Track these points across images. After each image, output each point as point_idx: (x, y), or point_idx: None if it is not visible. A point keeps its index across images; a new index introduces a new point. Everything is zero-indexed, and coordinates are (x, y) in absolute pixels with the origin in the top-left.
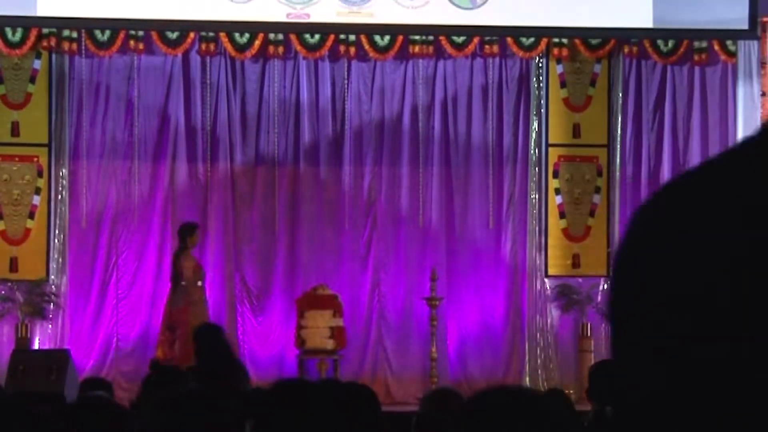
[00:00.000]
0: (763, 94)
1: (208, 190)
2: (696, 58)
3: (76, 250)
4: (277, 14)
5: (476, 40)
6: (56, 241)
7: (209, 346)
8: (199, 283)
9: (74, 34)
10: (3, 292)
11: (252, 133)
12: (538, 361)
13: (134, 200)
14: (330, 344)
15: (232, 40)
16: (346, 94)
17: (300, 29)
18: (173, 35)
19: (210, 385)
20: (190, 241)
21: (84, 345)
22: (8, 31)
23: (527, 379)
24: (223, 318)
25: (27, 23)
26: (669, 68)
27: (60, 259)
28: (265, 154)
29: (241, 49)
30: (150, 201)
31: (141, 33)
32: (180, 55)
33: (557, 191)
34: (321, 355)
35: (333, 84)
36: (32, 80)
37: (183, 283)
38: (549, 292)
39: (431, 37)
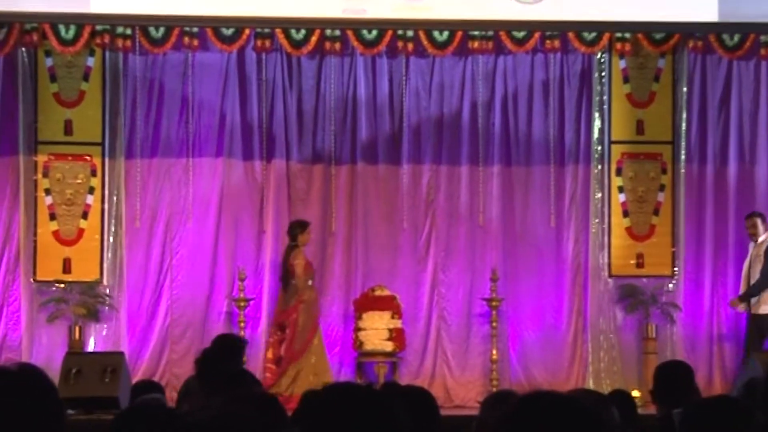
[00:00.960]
0: None
1: (264, 189)
2: (762, 52)
3: (131, 250)
4: (334, 9)
5: (537, 35)
6: (110, 241)
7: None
8: (310, 282)
9: (128, 31)
10: (56, 294)
11: (308, 131)
12: (602, 363)
13: (189, 199)
14: (388, 346)
15: (288, 36)
16: (404, 90)
17: (357, 25)
18: (228, 31)
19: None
20: (301, 239)
21: (137, 347)
22: (62, 28)
23: (590, 381)
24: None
25: (80, 20)
26: (735, 63)
27: (114, 260)
28: (322, 151)
29: (297, 45)
30: (205, 200)
31: (195, 29)
32: (235, 51)
33: (620, 189)
34: (379, 357)
35: (391, 80)
36: (86, 78)
37: (293, 281)
38: (612, 292)
39: (491, 33)
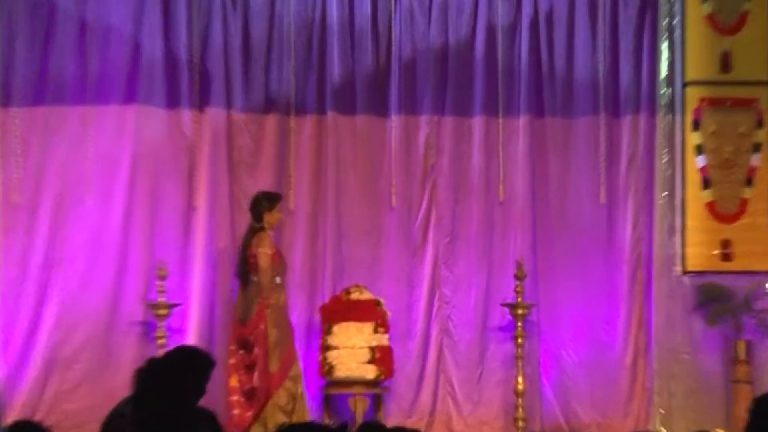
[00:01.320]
0: None
1: (194, 148)
2: None
3: (5, 236)
4: None
5: None
6: None
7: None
8: (278, 280)
9: None
10: None
11: (258, 68)
12: (672, 397)
13: (89, 163)
14: (370, 372)
15: None
16: (393, 11)
17: None
18: None
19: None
20: (269, 219)
21: (12, 374)
22: None
23: (657, 421)
24: (214, 332)
25: None
26: None
27: None
28: (277, 96)
29: None
30: (111, 164)
31: None
32: None
33: (699, 149)
34: (357, 387)
35: None
36: None
37: (255, 278)
38: (688, 295)
39: None
